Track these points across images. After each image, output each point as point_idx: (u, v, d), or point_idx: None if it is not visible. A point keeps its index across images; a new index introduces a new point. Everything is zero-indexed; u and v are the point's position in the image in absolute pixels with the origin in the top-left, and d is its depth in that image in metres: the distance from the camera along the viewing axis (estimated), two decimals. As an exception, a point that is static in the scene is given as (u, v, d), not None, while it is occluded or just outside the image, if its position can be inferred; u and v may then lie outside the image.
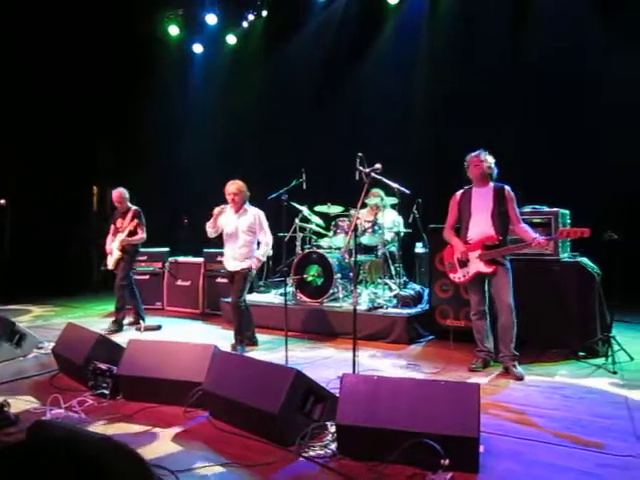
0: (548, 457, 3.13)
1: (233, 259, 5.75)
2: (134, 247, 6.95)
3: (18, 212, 8.97)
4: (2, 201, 6.48)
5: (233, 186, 5.66)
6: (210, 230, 5.76)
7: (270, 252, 6.21)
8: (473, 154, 4.91)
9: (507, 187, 4.86)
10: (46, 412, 3.84)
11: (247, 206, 5.78)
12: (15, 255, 9.34)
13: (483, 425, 3.08)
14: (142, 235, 6.92)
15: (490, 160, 4.87)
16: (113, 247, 6.87)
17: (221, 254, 7.97)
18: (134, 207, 6.96)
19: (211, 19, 10.54)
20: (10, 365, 5.28)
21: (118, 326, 6.86)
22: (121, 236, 6.82)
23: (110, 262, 6.90)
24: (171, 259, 8.64)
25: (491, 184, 4.90)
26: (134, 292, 7.10)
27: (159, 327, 7.08)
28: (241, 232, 5.69)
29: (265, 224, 5.78)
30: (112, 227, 7.00)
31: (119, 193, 6.98)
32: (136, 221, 6.83)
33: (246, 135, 10.56)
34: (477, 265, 4.83)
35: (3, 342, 5.45)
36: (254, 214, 5.73)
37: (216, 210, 5.66)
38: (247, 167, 9.14)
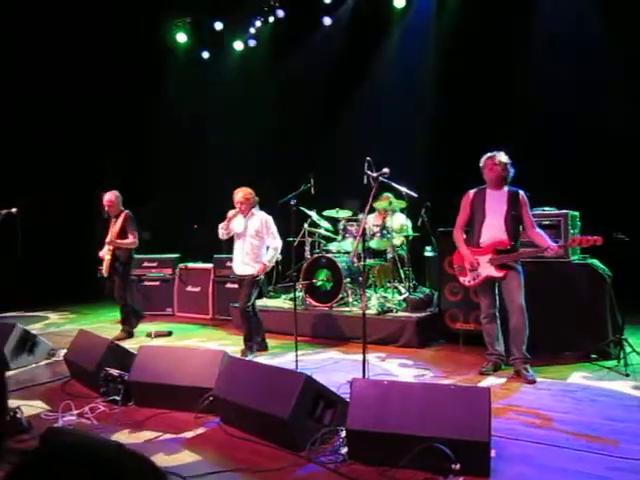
0: (559, 461, 3.12)
1: (241, 263, 5.80)
2: (126, 254, 6.66)
3: (29, 219, 9.05)
4: (14, 209, 6.52)
5: (240, 194, 5.74)
6: (222, 232, 5.81)
7: (279, 257, 6.22)
8: (487, 156, 4.88)
9: (521, 192, 4.85)
10: (58, 419, 3.87)
11: (254, 211, 5.83)
12: (27, 262, 9.41)
13: (494, 429, 3.08)
14: (133, 240, 6.59)
15: (505, 161, 4.82)
16: (105, 252, 6.61)
17: (230, 260, 8.02)
18: (126, 211, 6.72)
19: (218, 26, 10.60)
20: (23, 372, 5.33)
21: (127, 334, 6.80)
22: (109, 239, 6.57)
23: (104, 269, 6.64)
24: (181, 265, 8.68)
25: (505, 188, 4.88)
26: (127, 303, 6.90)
27: (170, 333, 7.11)
28: (248, 236, 5.75)
29: (273, 229, 5.81)
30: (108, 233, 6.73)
31: (110, 196, 6.69)
32: (123, 224, 6.55)
33: (255, 140, 10.58)
34: (488, 269, 4.81)
35: (15, 349, 5.50)
36: (261, 218, 5.78)
37: (230, 213, 5.73)
38: (256, 172, 9.19)
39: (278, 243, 5.81)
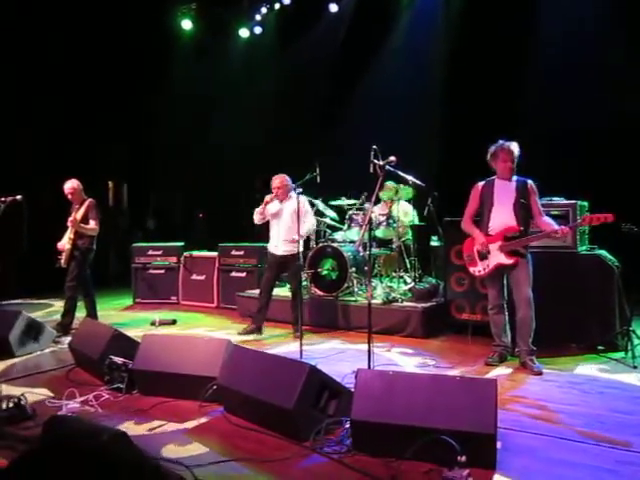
0: (566, 453, 3.09)
1: (280, 243, 6.09)
2: (87, 243, 6.39)
3: (34, 208, 9.03)
4: (19, 197, 6.48)
5: (277, 180, 6.12)
6: (258, 217, 6.18)
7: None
8: (500, 147, 4.77)
9: (530, 181, 4.81)
10: (62, 406, 3.87)
11: (292, 194, 6.11)
12: (32, 250, 9.40)
13: (500, 421, 3.04)
14: (95, 226, 6.38)
15: (517, 152, 4.76)
16: (65, 242, 6.34)
17: (236, 248, 8.02)
18: (90, 199, 6.48)
19: (224, 13, 10.51)
20: (27, 359, 5.34)
21: (62, 328, 6.29)
22: (72, 230, 6.31)
23: (63, 259, 6.31)
24: (186, 253, 8.65)
25: (514, 178, 4.83)
26: (89, 293, 6.62)
27: (174, 322, 7.10)
28: (286, 216, 6.08)
29: (308, 208, 6.22)
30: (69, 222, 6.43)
31: (72, 184, 6.44)
32: (86, 211, 6.34)
33: (261, 129, 10.54)
34: (498, 257, 4.76)
35: (21, 336, 5.50)
36: (298, 199, 5.80)
37: (267, 197, 6.06)
38: (262, 161, 9.16)
39: (313, 220, 6.29)
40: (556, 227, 4.54)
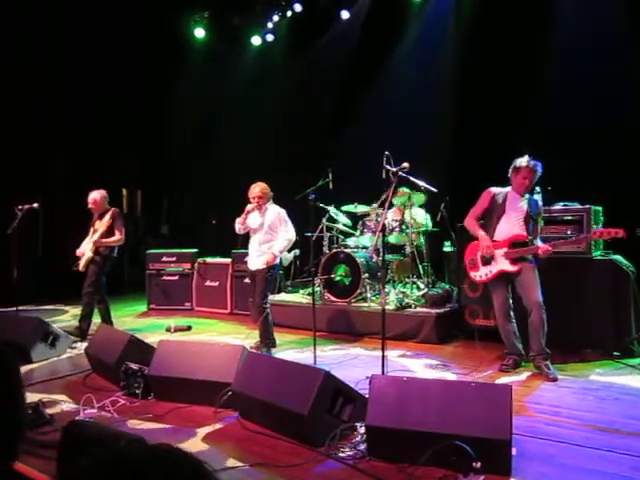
0: (582, 460, 3.07)
1: (255, 257, 5.77)
2: (108, 250, 6.44)
3: (50, 215, 9.14)
4: (35, 204, 6.59)
5: (257, 189, 5.73)
6: (239, 226, 5.81)
7: (297, 252, 6.19)
8: (528, 164, 4.73)
9: (541, 203, 4.95)
10: (80, 411, 3.91)
11: (268, 205, 5.81)
12: (48, 257, 9.52)
13: (515, 427, 3.03)
14: (120, 236, 6.43)
15: (539, 173, 4.76)
16: (85, 249, 6.37)
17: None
18: (113, 208, 6.54)
19: (236, 21, 10.59)
20: (45, 365, 5.40)
21: (80, 333, 6.35)
22: (94, 237, 6.35)
23: (81, 263, 6.34)
24: (200, 260, 8.71)
25: (527, 195, 4.88)
26: (103, 300, 6.62)
27: (189, 328, 7.14)
28: (263, 230, 5.74)
29: (287, 221, 5.80)
30: (91, 229, 6.53)
31: (95, 195, 6.48)
32: (111, 221, 6.39)
33: (273, 135, 10.58)
34: (502, 263, 4.75)
35: (38, 342, 5.57)
36: (274, 212, 5.77)
37: (249, 207, 5.71)
38: (274, 167, 9.19)
39: (291, 235, 5.78)
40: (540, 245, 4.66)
